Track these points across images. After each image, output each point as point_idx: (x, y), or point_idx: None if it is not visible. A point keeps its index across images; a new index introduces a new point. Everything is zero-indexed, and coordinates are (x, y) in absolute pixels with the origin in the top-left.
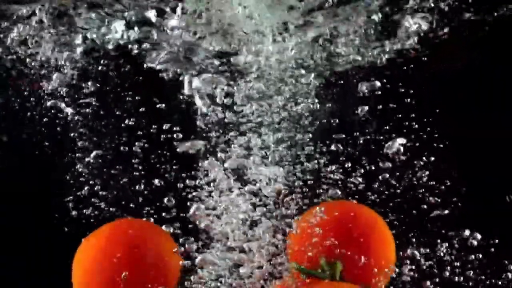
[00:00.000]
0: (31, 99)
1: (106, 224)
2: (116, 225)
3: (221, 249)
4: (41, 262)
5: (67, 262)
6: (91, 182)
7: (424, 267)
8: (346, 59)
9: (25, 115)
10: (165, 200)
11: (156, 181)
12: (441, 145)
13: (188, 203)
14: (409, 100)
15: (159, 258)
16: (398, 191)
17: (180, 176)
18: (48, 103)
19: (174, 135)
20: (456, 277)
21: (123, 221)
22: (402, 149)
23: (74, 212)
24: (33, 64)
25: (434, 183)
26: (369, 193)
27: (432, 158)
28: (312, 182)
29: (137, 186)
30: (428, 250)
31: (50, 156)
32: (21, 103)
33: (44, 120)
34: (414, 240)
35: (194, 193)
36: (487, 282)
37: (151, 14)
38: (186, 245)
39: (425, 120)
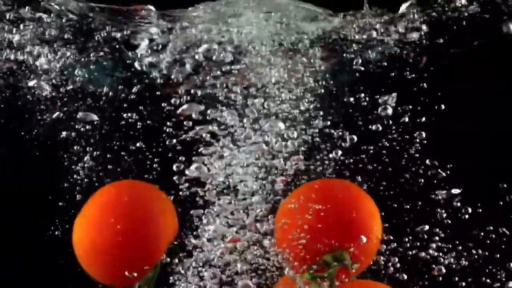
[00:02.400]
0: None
1: (106, 185)
2: (115, 186)
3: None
4: (41, 262)
5: (67, 262)
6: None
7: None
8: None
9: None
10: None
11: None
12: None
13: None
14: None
15: (156, 220)
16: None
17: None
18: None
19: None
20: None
21: (124, 183)
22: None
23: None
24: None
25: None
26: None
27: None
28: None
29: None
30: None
31: (48, 154)
32: (19, 102)
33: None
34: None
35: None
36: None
37: None
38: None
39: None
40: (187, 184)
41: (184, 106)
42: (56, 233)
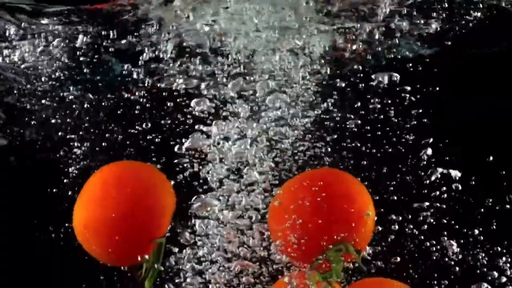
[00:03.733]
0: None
1: (106, 165)
2: (115, 165)
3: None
4: (42, 253)
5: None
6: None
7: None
8: None
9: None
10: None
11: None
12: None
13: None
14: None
15: (154, 197)
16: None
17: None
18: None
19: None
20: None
21: (123, 162)
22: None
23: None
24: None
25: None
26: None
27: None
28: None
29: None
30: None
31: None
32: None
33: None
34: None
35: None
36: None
37: None
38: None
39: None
40: (185, 165)
41: (182, 85)
42: (56, 223)
